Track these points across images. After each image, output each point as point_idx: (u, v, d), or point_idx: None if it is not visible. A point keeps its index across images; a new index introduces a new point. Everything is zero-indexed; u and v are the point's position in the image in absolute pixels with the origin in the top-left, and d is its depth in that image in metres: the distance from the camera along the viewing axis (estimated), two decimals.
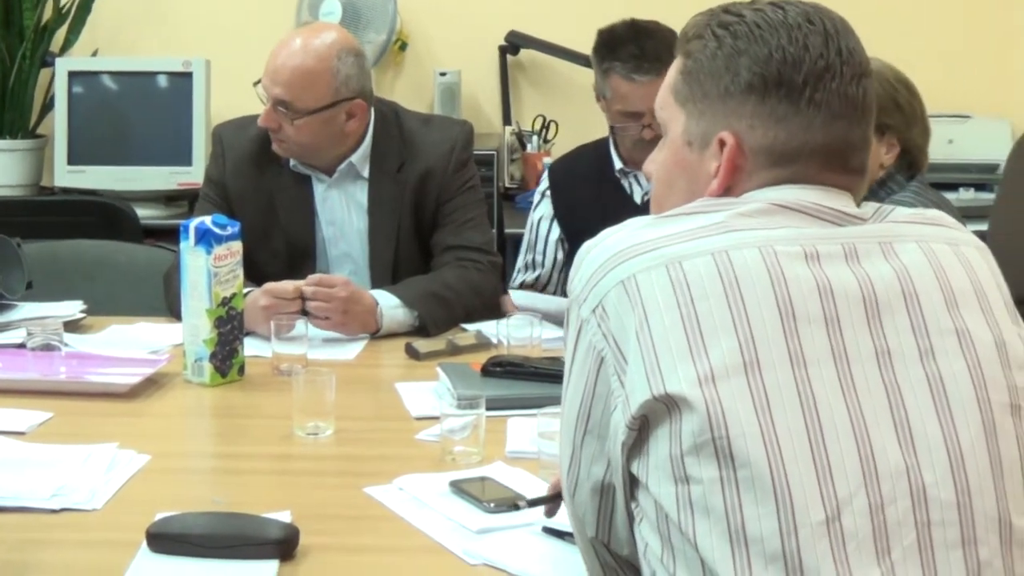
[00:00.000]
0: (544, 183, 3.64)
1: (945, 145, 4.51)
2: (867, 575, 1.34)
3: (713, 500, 1.37)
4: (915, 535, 1.37)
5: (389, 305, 3.05)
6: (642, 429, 1.42)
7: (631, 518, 1.48)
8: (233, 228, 2.72)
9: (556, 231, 3.57)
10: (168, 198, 4.69)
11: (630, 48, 3.33)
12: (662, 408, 1.40)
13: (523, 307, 3.18)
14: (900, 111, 2.93)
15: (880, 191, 2.92)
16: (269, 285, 2.98)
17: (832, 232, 1.49)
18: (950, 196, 3.79)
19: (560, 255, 3.56)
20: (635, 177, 3.51)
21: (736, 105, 1.54)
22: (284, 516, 1.96)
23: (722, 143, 1.54)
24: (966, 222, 2.00)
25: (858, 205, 1.56)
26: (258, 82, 3.18)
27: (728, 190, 1.55)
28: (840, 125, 1.53)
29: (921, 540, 1.37)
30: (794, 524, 1.35)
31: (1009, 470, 1.43)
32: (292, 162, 3.27)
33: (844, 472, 1.37)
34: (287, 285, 2.97)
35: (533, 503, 1.95)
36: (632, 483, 1.46)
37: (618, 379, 1.44)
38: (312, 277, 3.00)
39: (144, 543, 1.87)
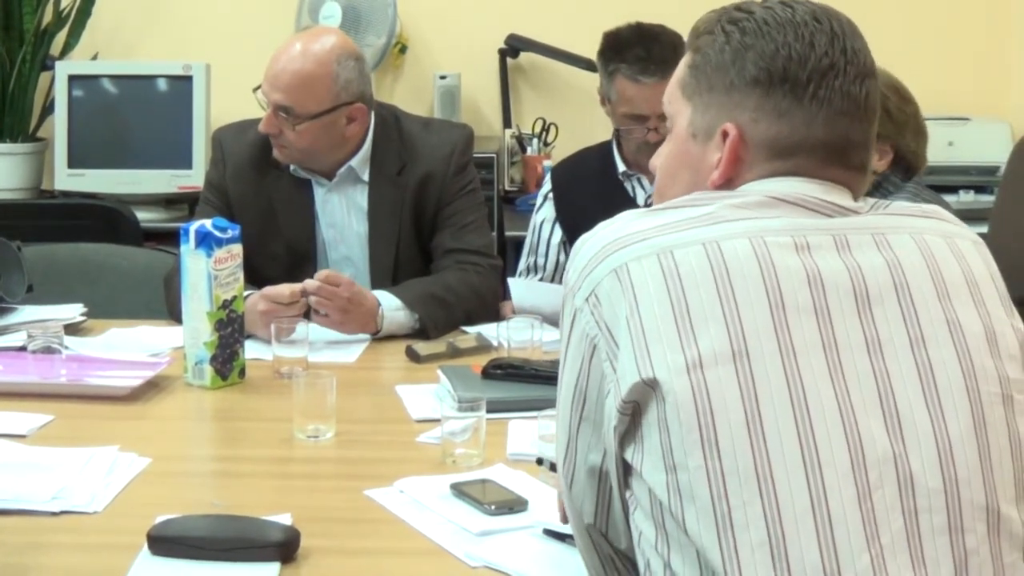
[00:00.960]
0: (547, 186, 3.64)
1: (945, 148, 4.51)
2: (856, 560, 1.35)
3: (699, 487, 1.38)
4: (903, 522, 1.38)
5: (390, 307, 3.05)
6: (635, 415, 1.44)
7: (625, 507, 1.49)
8: (233, 231, 2.72)
9: (558, 234, 3.57)
10: (168, 201, 4.70)
11: (636, 51, 3.33)
12: (650, 393, 1.41)
13: (520, 301, 3.17)
14: (890, 118, 2.94)
15: (875, 193, 2.92)
16: (267, 290, 2.98)
17: (824, 223, 1.51)
18: (950, 199, 3.80)
19: (562, 258, 3.55)
20: (638, 180, 3.51)
21: (740, 98, 1.56)
22: (285, 519, 1.96)
23: (725, 134, 1.57)
24: (968, 224, 2.00)
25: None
26: (258, 88, 3.18)
27: (729, 181, 1.57)
28: (842, 122, 1.55)
29: (908, 527, 1.38)
30: (778, 510, 1.36)
31: (998, 459, 1.44)
32: (292, 166, 3.27)
33: (832, 459, 1.38)
34: (283, 289, 2.97)
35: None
36: (626, 471, 1.47)
37: (610, 364, 1.46)
38: (321, 273, 2.99)
39: (145, 546, 1.87)
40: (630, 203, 3.48)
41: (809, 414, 1.39)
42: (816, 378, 1.41)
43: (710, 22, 1.61)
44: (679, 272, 1.44)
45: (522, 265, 3.66)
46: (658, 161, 1.69)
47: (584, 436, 1.52)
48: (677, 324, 1.42)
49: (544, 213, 3.61)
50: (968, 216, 2.68)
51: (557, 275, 3.57)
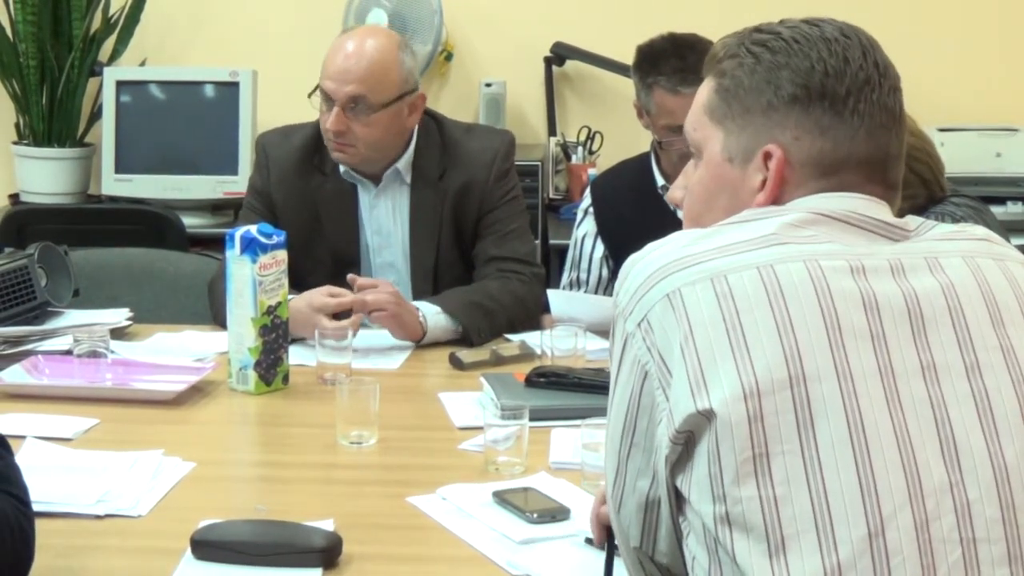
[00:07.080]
0: (587, 200, 3.63)
1: (992, 158, 4.49)
2: None
3: (752, 517, 1.37)
4: (960, 552, 1.36)
5: (432, 312, 3.06)
6: (688, 444, 1.42)
7: (679, 532, 1.48)
8: (279, 237, 2.73)
9: (600, 248, 3.55)
10: (214, 207, 4.72)
11: (673, 62, 3.31)
12: (705, 423, 1.40)
13: (559, 313, 3.16)
14: (925, 184, 2.93)
15: (932, 210, 2.90)
16: (315, 301, 2.98)
17: (878, 247, 1.49)
18: (997, 210, 3.76)
19: (605, 272, 3.54)
20: None
21: (780, 118, 1.55)
22: (327, 524, 1.97)
23: (767, 156, 1.55)
24: (1014, 236, 1.98)
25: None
26: (313, 92, 3.18)
27: (774, 202, 1.55)
28: (882, 135, 1.55)
29: (967, 557, 1.36)
30: (834, 541, 1.34)
31: None
32: (343, 169, 3.27)
33: (889, 488, 1.36)
34: (329, 301, 2.97)
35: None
36: (678, 498, 1.46)
37: (663, 392, 1.44)
38: (365, 281, 3.02)
39: (188, 550, 1.88)
40: (670, 216, 3.45)
41: (867, 442, 1.37)
42: (873, 404, 1.39)
43: (731, 46, 1.60)
44: (733, 296, 1.42)
45: (564, 280, 3.64)
46: (680, 194, 1.69)
47: (634, 462, 1.51)
48: (733, 350, 1.40)
49: (585, 228, 3.59)
50: (1016, 228, 2.65)
51: (600, 290, 3.55)
